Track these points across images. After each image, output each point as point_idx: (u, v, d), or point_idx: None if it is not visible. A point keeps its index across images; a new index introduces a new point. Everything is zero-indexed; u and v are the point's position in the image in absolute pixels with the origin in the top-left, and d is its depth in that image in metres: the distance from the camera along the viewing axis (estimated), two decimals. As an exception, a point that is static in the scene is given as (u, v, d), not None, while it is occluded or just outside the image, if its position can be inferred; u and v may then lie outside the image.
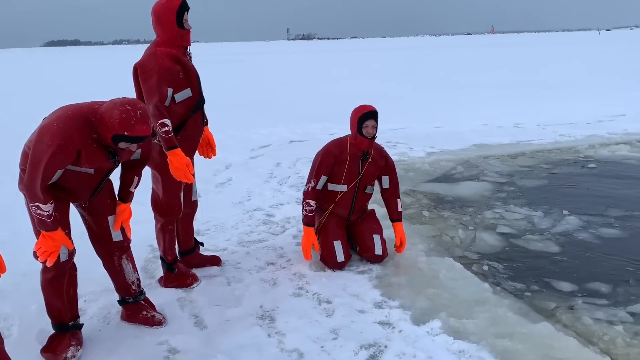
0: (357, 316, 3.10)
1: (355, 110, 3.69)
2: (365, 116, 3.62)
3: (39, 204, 2.44)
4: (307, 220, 3.71)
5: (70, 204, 2.76)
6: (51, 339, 2.76)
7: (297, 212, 4.89)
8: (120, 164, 2.78)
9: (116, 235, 2.85)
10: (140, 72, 3.11)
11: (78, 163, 2.51)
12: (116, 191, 2.89)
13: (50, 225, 2.49)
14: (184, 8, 3.17)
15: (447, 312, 3.09)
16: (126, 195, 2.88)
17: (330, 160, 3.71)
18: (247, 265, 3.82)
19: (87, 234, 2.90)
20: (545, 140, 8.10)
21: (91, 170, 2.62)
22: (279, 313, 3.15)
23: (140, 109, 2.46)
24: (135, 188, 2.90)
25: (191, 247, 3.74)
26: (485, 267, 3.81)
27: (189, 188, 3.53)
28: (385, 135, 8.47)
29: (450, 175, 6.30)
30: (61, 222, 2.60)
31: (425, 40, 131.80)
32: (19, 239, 3.90)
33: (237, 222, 4.73)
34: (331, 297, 3.32)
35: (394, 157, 4.59)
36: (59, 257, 2.59)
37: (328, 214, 3.83)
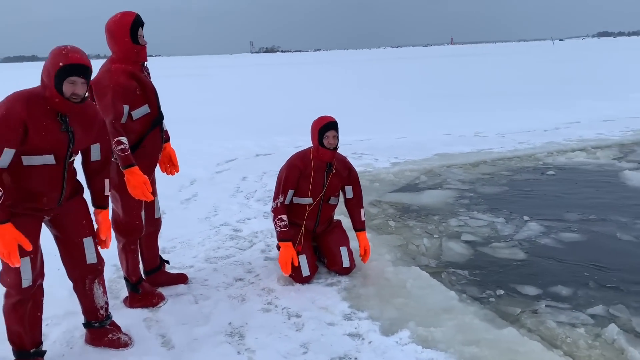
0: (326, 329, 3.10)
1: (315, 122, 3.71)
2: (326, 127, 3.63)
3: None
4: (283, 236, 3.67)
5: (42, 224, 2.66)
6: None
7: (264, 226, 4.87)
8: (81, 157, 2.70)
9: (90, 258, 2.77)
10: (95, 89, 3.05)
11: (29, 142, 2.39)
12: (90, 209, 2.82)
13: (1, 214, 2.35)
14: (138, 23, 3.12)
15: (415, 321, 3.12)
16: (103, 200, 2.81)
17: (296, 174, 3.71)
18: (214, 282, 3.77)
19: (54, 254, 2.81)
20: (505, 148, 8.32)
21: (51, 159, 2.49)
22: (248, 329, 3.12)
23: (71, 45, 2.47)
24: (109, 191, 2.84)
25: (156, 265, 3.67)
26: (451, 275, 3.88)
27: (151, 206, 3.47)
28: (351, 147, 8.56)
29: (414, 185, 6.40)
30: (32, 242, 2.47)
31: (387, 51, 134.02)
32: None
33: (203, 238, 4.67)
34: (300, 311, 3.31)
35: (359, 168, 4.64)
36: (21, 281, 2.51)
37: (292, 227, 3.81)
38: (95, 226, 2.83)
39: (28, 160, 2.45)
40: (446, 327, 3.06)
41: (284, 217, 3.68)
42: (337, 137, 3.69)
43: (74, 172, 2.71)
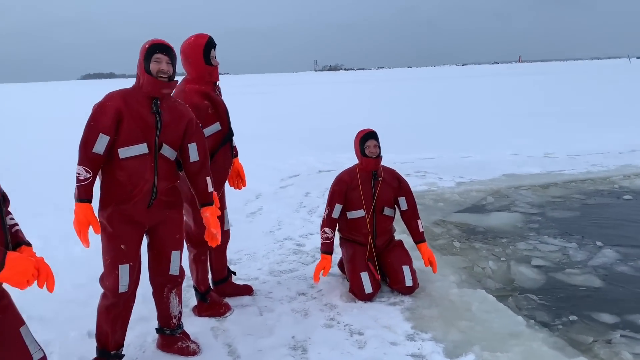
0: (389, 348, 3.08)
1: (356, 136, 3.86)
2: (366, 137, 3.79)
3: (80, 167, 2.56)
4: (324, 248, 3.77)
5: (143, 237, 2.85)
6: None
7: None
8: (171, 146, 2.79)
9: (174, 270, 2.93)
10: None
11: (123, 129, 2.62)
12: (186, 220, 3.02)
13: (82, 193, 2.56)
14: (210, 45, 3.30)
15: (480, 345, 3.04)
16: (207, 197, 2.95)
17: (343, 188, 3.83)
18: (278, 294, 3.84)
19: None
20: (577, 170, 7.97)
21: (144, 148, 2.67)
22: (310, 344, 3.15)
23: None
24: (212, 188, 2.99)
25: (224, 276, 3.79)
26: (520, 300, 3.75)
27: (221, 218, 3.60)
28: (413, 165, 8.50)
29: (480, 206, 6.25)
30: (129, 252, 2.70)
31: (452, 69, 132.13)
32: (65, 266, 4.03)
33: (268, 251, 4.78)
34: (362, 329, 3.30)
35: (422, 187, 4.63)
36: (118, 286, 2.70)
37: (352, 245, 3.87)
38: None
39: (124, 153, 2.64)
40: (513, 352, 2.97)
41: (328, 229, 3.80)
42: (379, 146, 3.82)
43: (168, 172, 2.80)
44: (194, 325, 3.32)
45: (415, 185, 6.65)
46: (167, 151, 2.77)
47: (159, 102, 2.72)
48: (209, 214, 2.94)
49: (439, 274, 3.95)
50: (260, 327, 3.36)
